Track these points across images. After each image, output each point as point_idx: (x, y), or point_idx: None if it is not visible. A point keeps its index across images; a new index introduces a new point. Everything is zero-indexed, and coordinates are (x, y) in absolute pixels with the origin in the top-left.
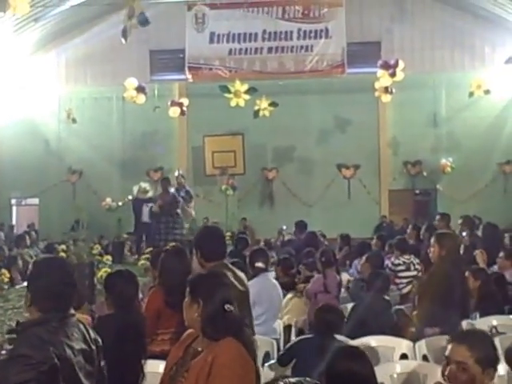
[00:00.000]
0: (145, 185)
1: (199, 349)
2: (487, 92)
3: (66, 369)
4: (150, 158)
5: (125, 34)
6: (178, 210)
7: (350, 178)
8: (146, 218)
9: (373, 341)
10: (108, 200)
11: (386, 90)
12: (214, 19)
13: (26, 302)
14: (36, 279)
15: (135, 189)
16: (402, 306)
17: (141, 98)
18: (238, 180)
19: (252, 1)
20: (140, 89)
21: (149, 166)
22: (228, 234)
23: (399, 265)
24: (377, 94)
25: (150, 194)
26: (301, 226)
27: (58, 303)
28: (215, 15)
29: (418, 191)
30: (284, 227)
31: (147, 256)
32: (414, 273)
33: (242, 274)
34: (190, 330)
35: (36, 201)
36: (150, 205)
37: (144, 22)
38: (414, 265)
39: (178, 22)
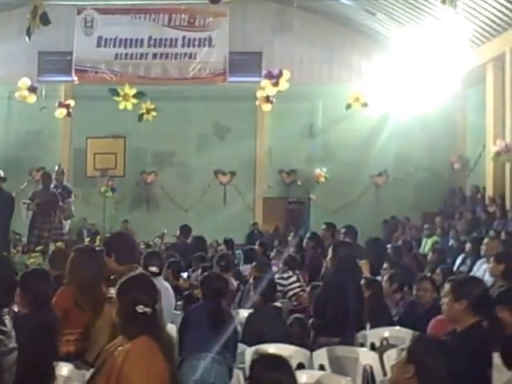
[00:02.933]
0: None
1: (120, 348)
2: (365, 105)
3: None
4: (32, 158)
5: (29, 32)
6: (57, 209)
7: (226, 184)
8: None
9: (270, 349)
10: None
11: (267, 99)
12: (102, 24)
13: None
14: None
15: None
16: (299, 315)
17: (32, 98)
18: (118, 182)
19: (140, 7)
20: (32, 89)
21: (31, 165)
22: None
23: (290, 277)
24: (257, 102)
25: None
26: (185, 229)
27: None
28: (104, 20)
29: (291, 200)
30: (165, 231)
31: (36, 255)
32: (300, 283)
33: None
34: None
35: None
36: (27, 201)
37: (46, 21)
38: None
39: (67, 25)
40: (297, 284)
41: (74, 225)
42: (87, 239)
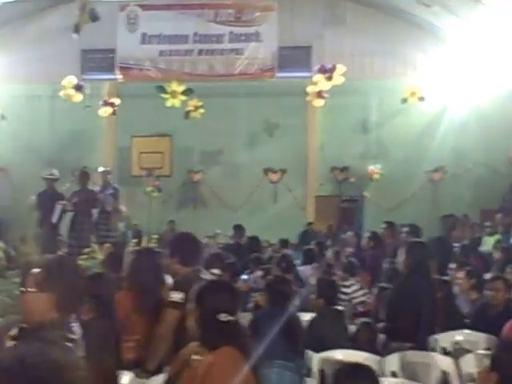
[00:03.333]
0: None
1: (198, 358)
2: (421, 99)
3: None
4: (76, 158)
5: (77, 29)
6: (96, 209)
7: (276, 182)
8: (55, 218)
9: (338, 355)
10: (32, 199)
11: (319, 94)
12: (146, 20)
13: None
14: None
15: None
16: (366, 319)
17: (78, 97)
18: (164, 182)
19: (185, 3)
20: (77, 87)
21: (75, 165)
22: (155, 236)
23: (352, 285)
24: (309, 98)
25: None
26: (239, 230)
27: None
28: (147, 16)
29: (344, 198)
30: (218, 231)
31: (85, 257)
32: (364, 290)
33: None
34: (193, 342)
35: None
36: (62, 202)
37: (95, 17)
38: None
39: (110, 22)
40: (360, 292)
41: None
42: (134, 240)
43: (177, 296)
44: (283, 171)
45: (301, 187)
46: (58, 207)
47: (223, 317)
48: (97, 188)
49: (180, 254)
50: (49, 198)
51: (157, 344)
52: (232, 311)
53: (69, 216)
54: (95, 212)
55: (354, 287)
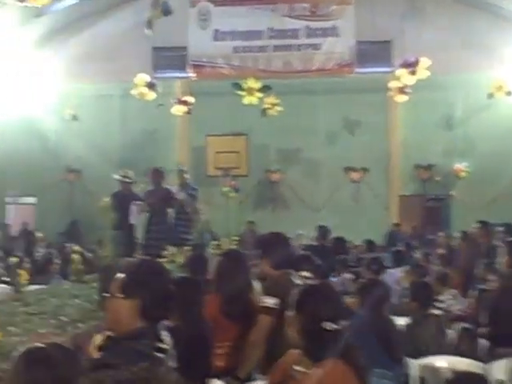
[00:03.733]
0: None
1: (301, 369)
2: (508, 93)
3: None
4: (149, 158)
5: (150, 24)
6: (172, 209)
7: (357, 181)
8: (133, 219)
9: (441, 362)
10: (105, 200)
11: (401, 90)
12: (218, 16)
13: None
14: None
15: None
16: (465, 324)
17: (151, 95)
18: (241, 182)
19: None
20: (150, 85)
21: (148, 165)
22: (235, 237)
23: (448, 299)
24: (390, 94)
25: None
26: (323, 230)
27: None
28: (219, 12)
29: (429, 197)
30: (301, 232)
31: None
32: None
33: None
34: (292, 350)
35: (32, 200)
36: (137, 203)
37: (168, 11)
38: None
39: (181, 19)
40: (456, 306)
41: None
42: (214, 242)
43: (269, 301)
44: (365, 170)
45: (383, 186)
46: (134, 208)
47: (328, 325)
48: (174, 188)
49: (270, 255)
50: (124, 198)
51: (249, 351)
52: (336, 319)
53: (144, 217)
54: (171, 212)
55: (450, 302)
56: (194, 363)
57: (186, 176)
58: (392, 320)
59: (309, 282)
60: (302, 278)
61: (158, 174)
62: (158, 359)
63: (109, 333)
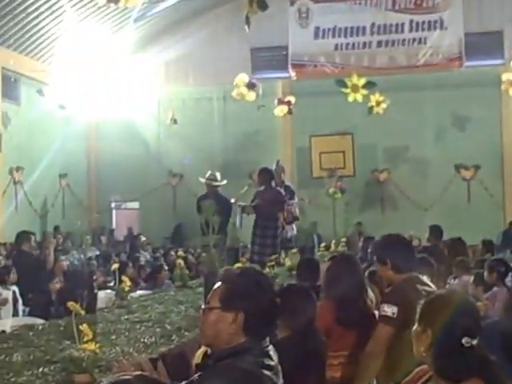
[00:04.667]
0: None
1: None
2: None
3: None
4: (251, 160)
5: (248, 20)
6: (283, 211)
7: (469, 179)
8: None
9: None
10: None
11: None
12: (318, 13)
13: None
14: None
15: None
16: None
17: (251, 96)
18: (347, 182)
19: None
20: (251, 85)
21: (251, 167)
22: (343, 239)
23: None
24: (503, 87)
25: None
26: (436, 231)
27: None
28: (320, 9)
29: None
30: (412, 232)
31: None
32: None
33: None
34: (423, 366)
35: (136, 204)
36: (242, 204)
37: (264, 6)
38: None
39: (279, 18)
40: None
41: (301, 229)
42: (322, 245)
43: (389, 310)
44: (477, 167)
45: (497, 184)
46: (239, 210)
47: (466, 341)
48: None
49: (391, 259)
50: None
51: (366, 362)
52: (475, 333)
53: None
54: (280, 216)
55: None
56: (305, 380)
57: (283, 175)
58: None
59: (432, 289)
60: (423, 283)
61: (265, 173)
62: (266, 377)
63: (208, 350)
